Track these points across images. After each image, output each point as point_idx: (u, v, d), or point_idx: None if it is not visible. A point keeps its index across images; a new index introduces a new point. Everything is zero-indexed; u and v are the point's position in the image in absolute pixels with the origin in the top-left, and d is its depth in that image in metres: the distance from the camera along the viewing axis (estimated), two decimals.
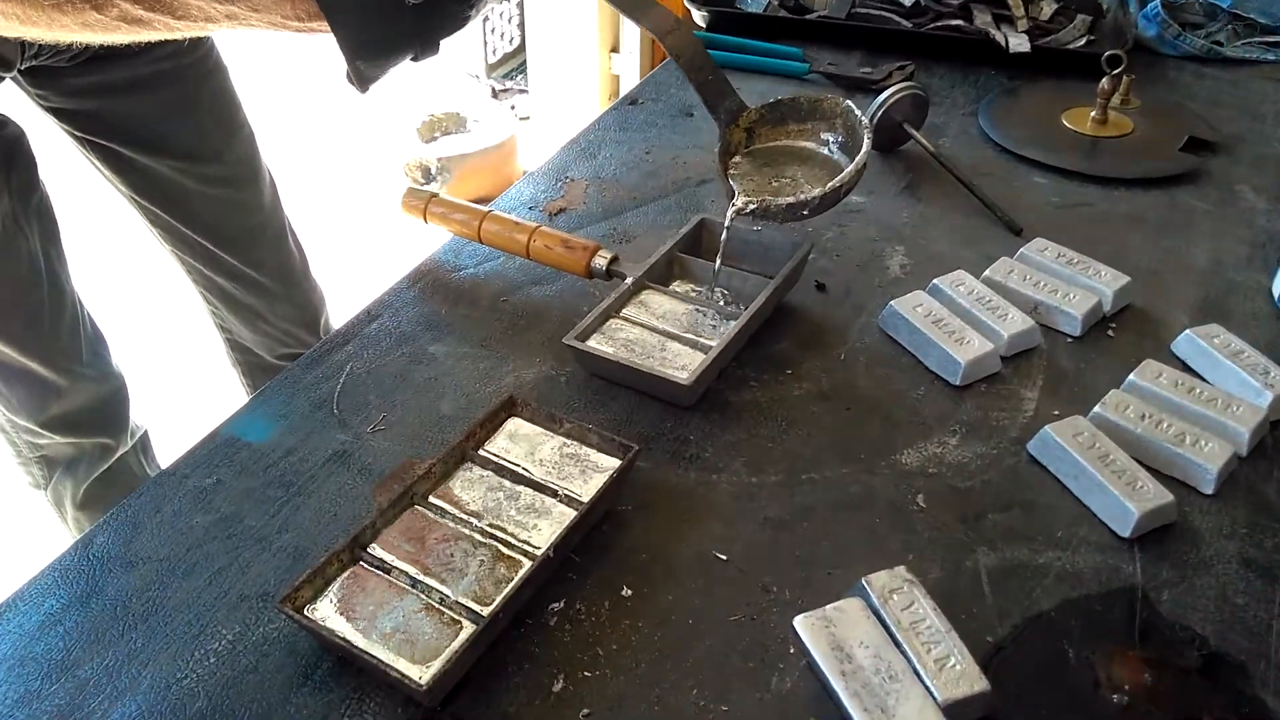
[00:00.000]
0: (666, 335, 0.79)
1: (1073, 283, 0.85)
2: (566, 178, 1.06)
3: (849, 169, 0.76)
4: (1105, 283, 0.85)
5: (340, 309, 1.67)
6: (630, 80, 2.97)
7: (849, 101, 0.82)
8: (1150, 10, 1.30)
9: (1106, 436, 0.70)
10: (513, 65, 3.79)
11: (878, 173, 1.06)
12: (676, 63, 0.81)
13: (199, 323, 1.59)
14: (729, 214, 0.80)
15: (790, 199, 0.77)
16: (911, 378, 0.79)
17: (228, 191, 1.41)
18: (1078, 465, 0.69)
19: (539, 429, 0.70)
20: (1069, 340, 0.82)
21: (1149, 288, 0.88)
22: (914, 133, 1.06)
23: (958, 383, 0.78)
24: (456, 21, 0.72)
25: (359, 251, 2.66)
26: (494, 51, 3.74)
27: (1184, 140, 1.09)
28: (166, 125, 1.32)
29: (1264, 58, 1.29)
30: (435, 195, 0.92)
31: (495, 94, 3.68)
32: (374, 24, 0.68)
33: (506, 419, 0.71)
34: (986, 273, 0.87)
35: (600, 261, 0.83)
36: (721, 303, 0.82)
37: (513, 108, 3.54)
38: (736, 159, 0.84)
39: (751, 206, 0.78)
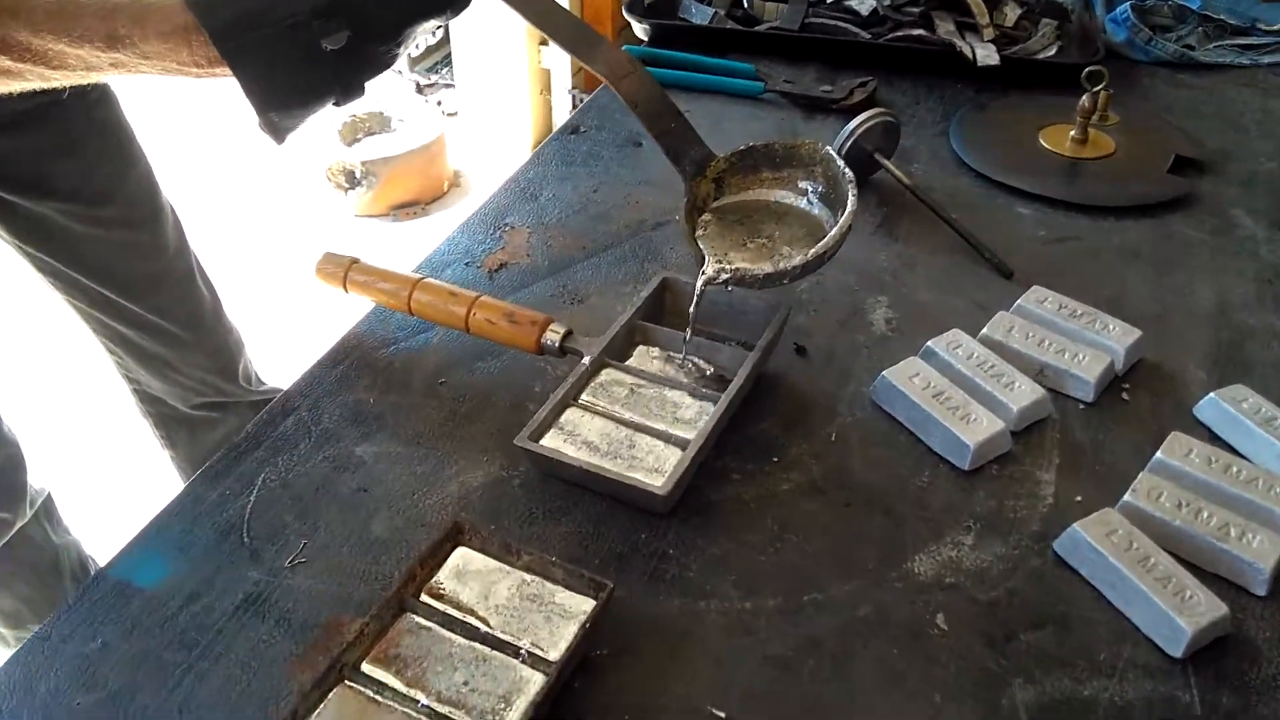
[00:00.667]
0: (634, 427, 0.68)
1: (1079, 339, 0.77)
2: (505, 225, 0.95)
3: (833, 232, 0.66)
4: (1115, 339, 0.76)
5: (262, 354, 1.54)
6: (561, 74, 2.84)
7: (829, 148, 0.72)
8: (1119, 14, 1.23)
9: (1142, 533, 0.62)
10: (437, 58, 3.62)
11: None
12: (632, 110, 0.70)
13: (102, 370, 1.44)
14: (699, 283, 0.70)
15: (768, 268, 0.67)
16: (913, 460, 0.70)
17: (123, 234, 1.27)
18: (1115, 571, 0.60)
19: (493, 563, 0.59)
20: (1082, 407, 0.74)
21: (1157, 337, 0.80)
22: (887, 164, 0.97)
23: (966, 468, 0.68)
24: (381, 63, 0.62)
25: (281, 285, 2.49)
26: (417, 45, 3.57)
27: (1170, 160, 1.01)
28: (47, 165, 1.17)
29: (1238, 61, 1.23)
30: (355, 261, 0.80)
31: (420, 89, 3.51)
32: (286, 71, 0.59)
33: (453, 549, 0.60)
34: (985, 330, 0.77)
35: (552, 337, 0.72)
36: (695, 378, 0.72)
37: (439, 104, 3.38)
38: (705, 216, 0.74)
39: (724, 276, 0.68)
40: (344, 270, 0.80)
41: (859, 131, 0.95)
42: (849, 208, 0.67)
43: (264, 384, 1.52)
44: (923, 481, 0.68)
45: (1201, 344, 0.80)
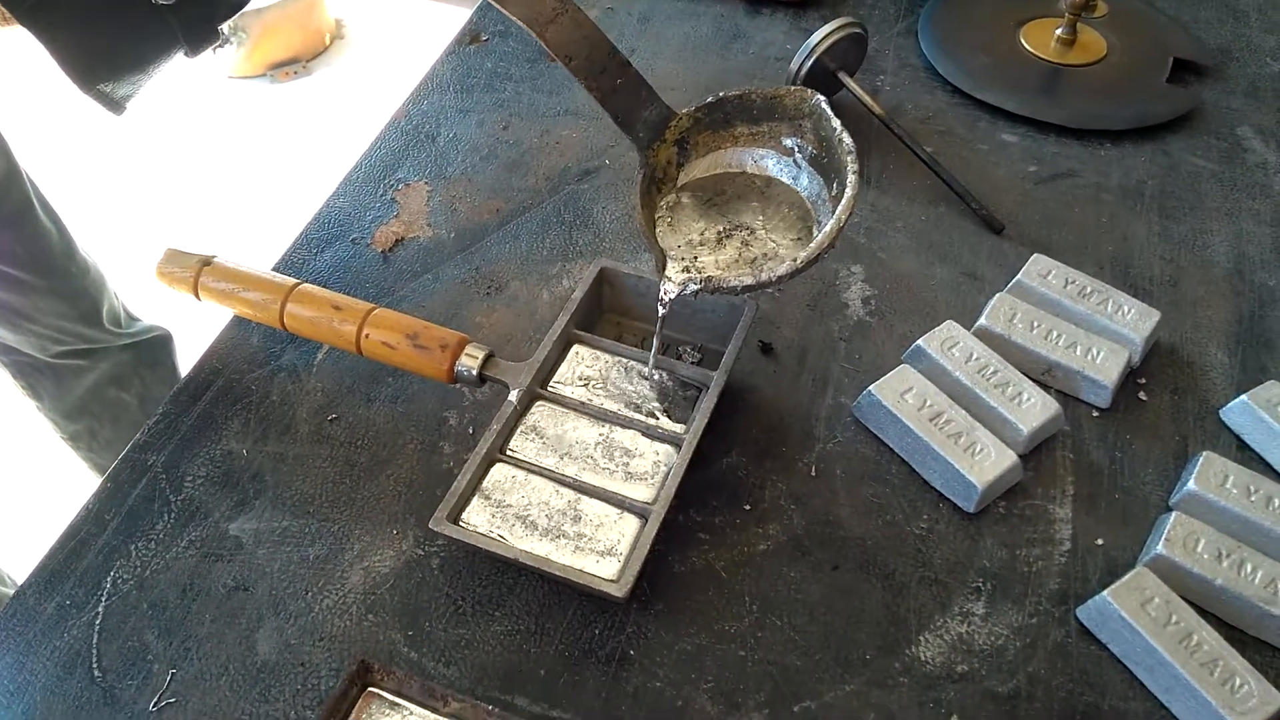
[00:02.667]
0: (578, 488, 0.55)
1: (1091, 327, 0.65)
2: (397, 181, 0.77)
3: (828, 226, 0.52)
4: (1131, 324, 0.65)
5: (133, 290, 1.33)
6: None
7: (821, 100, 0.57)
8: None
9: (1182, 601, 0.52)
10: None
11: None
12: (564, 66, 0.54)
13: None
14: (661, 292, 0.55)
15: (748, 279, 0.53)
16: (909, 500, 0.59)
17: None
18: (1153, 653, 0.51)
19: (415, 713, 0.47)
20: (1096, 414, 0.63)
21: (1172, 308, 0.69)
22: (854, 87, 0.81)
23: (972, 510, 0.58)
24: (230, 7, 0.51)
25: (151, 178, 2.22)
26: None
27: (1169, 66, 0.88)
28: None
29: None
30: (208, 262, 0.63)
31: None
32: (108, 29, 0.49)
33: (359, 695, 0.47)
34: (982, 320, 0.65)
35: (468, 364, 0.58)
36: (647, 407, 0.59)
37: None
38: (668, 198, 0.59)
39: (693, 288, 0.54)
40: (194, 274, 0.63)
41: (821, 49, 0.79)
42: (849, 191, 0.53)
43: (137, 320, 1.33)
44: (921, 528, 0.58)
45: (1220, 315, 0.69)
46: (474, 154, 0.79)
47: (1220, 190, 0.79)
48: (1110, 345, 0.64)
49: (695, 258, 0.57)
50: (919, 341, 0.64)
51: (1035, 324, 0.65)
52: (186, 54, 0.55)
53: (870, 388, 0.61)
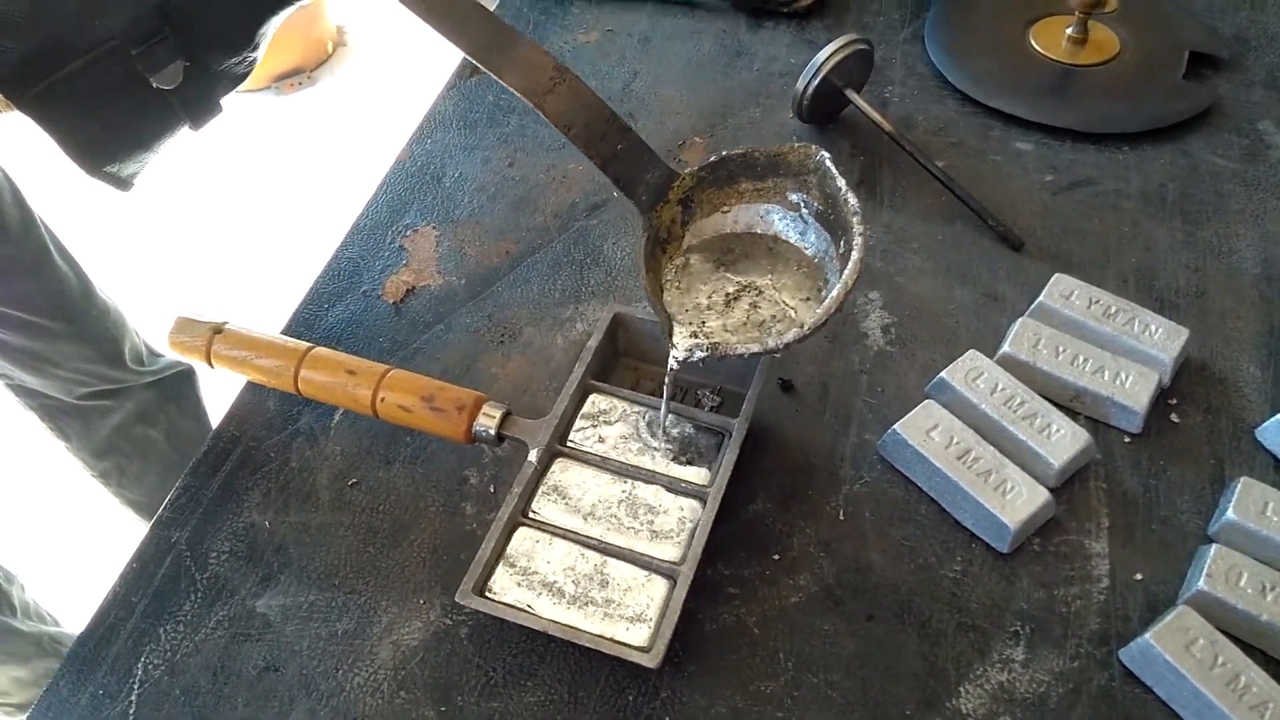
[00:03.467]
0: (603, 550, 0.55)
1: (1118, 349, 0.64)
2: (404, 227, 0.77)
3: (835, 290, 0.51)
4: (1160, 345, 0.63)
5: (153, 327, 1.33)
6: None
7: (825, 156, 0.55)
8: None
9: (1227, 640, 0.51)
10: None
11: None
12: (564, 135, 0.52)
13: None
14: (670, 359, 0.54)
15: (755, 345, 0.52)
16: (940, 542, 0.58)
17: None
18: (1201, 698, 0.50)
19: None
20: (1127, 440, 0.62)
21: (1201, 322, 0.67)
22: (861, 104, 0.79)
23: (1006, 550, 0.57)
24: (235, 77, 0.53)
25: (165, 206, 2.23)
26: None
27: (1184, 61, 0.86)
28: None
29: None
30: (220, 330, 0.62)
31: None
32: (109, 113, 0.49)
33: None
34: (1006, 348, 0.64)
35: (486, 424, 0.57)
36: (667, 459, 0.58)
37: None
38: (675, 260, 0.58)
39: (700, 355, 0.53)
40: (205, 342, 0.62)
41: (827, 68, 0.77)
42: (855, 254, 0.52)
43: (159, 357, 1.33)
44: (955, 571, 0.57)
45: (1250, 327, 0.68)
46: (481, 194, 0.78)
47: (1244, 191, 0.77)
48: (1139, 368, 0.62)
49: (703, 323, 0.56)
50: (942, 374, 0.62)
51: (1060, 349, 0.64)
52: (191, 128, 0.54)
53: (895, 426, 0.60)
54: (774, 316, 0.56)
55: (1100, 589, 0.56)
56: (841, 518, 0.59)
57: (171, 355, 1.35)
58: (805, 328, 0.51)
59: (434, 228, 0.76)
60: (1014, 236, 0.73)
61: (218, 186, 2.31)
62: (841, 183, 0.54)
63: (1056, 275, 0.68)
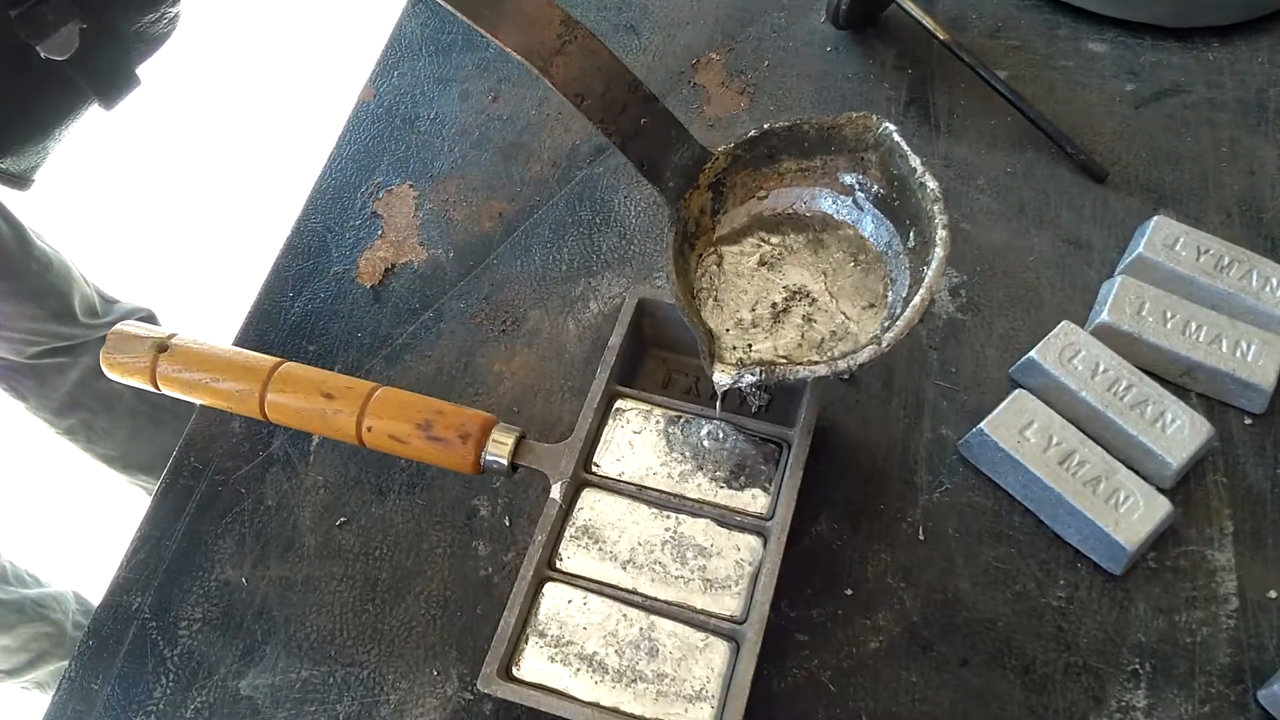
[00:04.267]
0: (649, 609, 0.46)
1: (1235, 309, 0.54)
2: (376, 186, 0.65)
3: (917, 298, 0.41)
4: None
5: (105, 270, 1.21)
6: None
7: (889, 127, 0.44)
8: None
9: None
10: None
11: (865, 83, 0.68)
12: (576, 107, 0.41)
13: None
14: (715, 385, 0.44)
15: (821, 367, 0.42)
16: (1039, 562, 0.49)
17: None
18: None
19: None
20: (1248, 422, 0.53)
21: None
22: (908, 5, 0.67)
23: (1119, 572, 0.48)
24: (153, 40, 0.48)
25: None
26: None
27: None
28: None
29: None
30: (166, 345, 0.51)
31: None
32: None
33: None
34: (1105, 316, 0.54)
35: (497, 454, 0.47)
36: (717, 484, 0.49)
37: None
38: (708, 259, 0.47)
39: (748, 379, 0.43)
40: (149, 362, 0.51)
41: None
42: (939, 251, 0.41)
43: (115, 304, 1.21)
44: (1059, 598, 0.48)
45: None
46: (463, 139, 0.66)
47: None
48: (1261, 335, 0.53)
49: (749, 345, 0.45)
50: (1032, 354, 0.53)
51: (1169, 314, 0.54)
52: (102, 106, 0.47)
53: (982, 425, 0.50)
54: (834, 333, 0.46)
55: (1228, 611, 0.48)
56: (921, 537, 0.50)
57: (129, 301, 1.23)
58: (883, 345, 0.41)
59: (411, 186, 0.64)
60: (1096, 166, 0.62)
61: (149, 140, 1.94)
62: (916, 161, 0.43)
63: (1156, 219, 0.57)
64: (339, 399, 0.49)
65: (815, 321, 0.45)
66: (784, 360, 0.44)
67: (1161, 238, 0.56)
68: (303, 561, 0.50)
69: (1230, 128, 0.64)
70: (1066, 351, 0.52)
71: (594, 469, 0.49)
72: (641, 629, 0.45)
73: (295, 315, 0.59)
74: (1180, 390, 0.53)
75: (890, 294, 0.45)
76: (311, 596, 0.49)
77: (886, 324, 0.44)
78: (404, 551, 0.50)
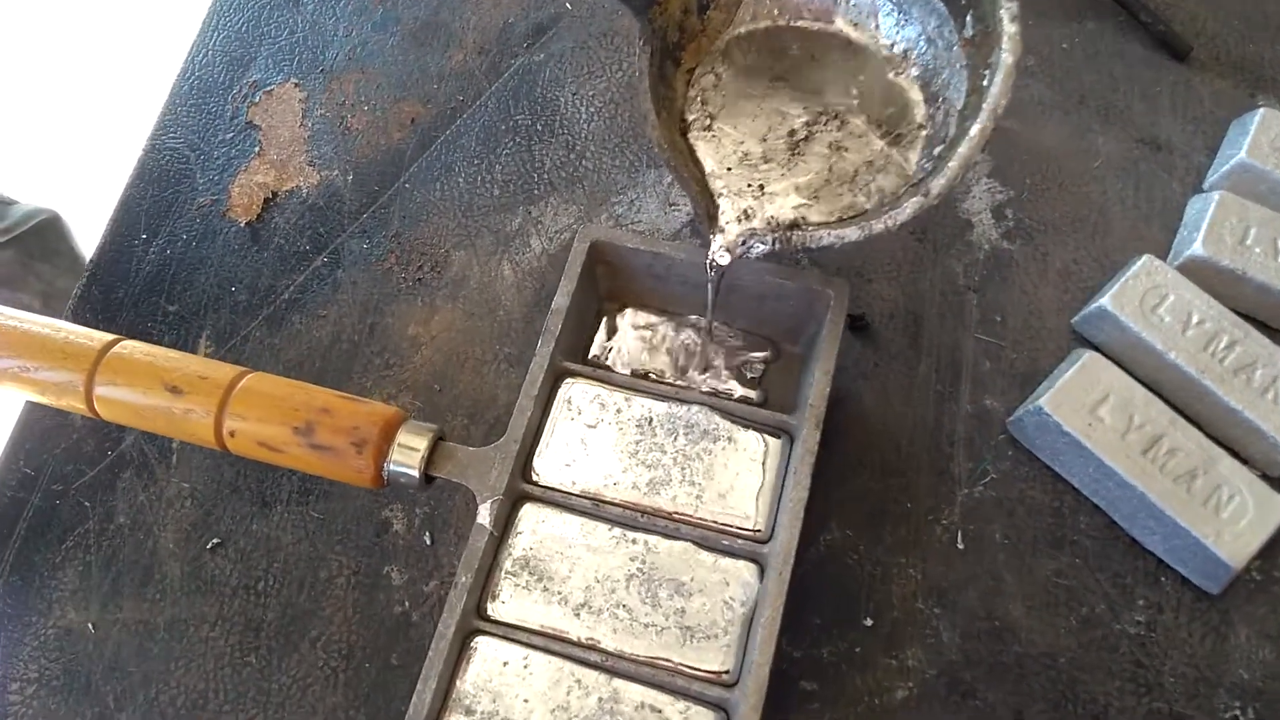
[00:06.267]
0: (612, 671, 0.35)
1: None
2: (249, 86, 0.50)
3: (979, 123, 0.30)
4: None
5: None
6: None
7: None
8: None
9: None
10: None
11: None
12: None
13: None
14: (710, 257, 0.33)
15: (851, 229, 0.31)
16: (1109, 576, 0.38)
17: None
18: None
19: None
20: None
21: None
22: None
23: (1217, 591, 0.38)
24: None
25: None
26: None
27: None
28: None
29: None
30: None
31: None
32: None
33: None
34: (1198, 247, 0.42)
35: (405, 464, 0.36)
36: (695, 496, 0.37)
37: None
38: (698, 84, 0.34)
39: (761, 248, 0.31)
40: None
41: None
42: (1006, 55, 0.30)
43: (12, 206, 1.05)
44: (1138, 625, 0.38)
45: None
46: (362, 20, 0.51)
47: None
48: None
49: (761, 186, 0.33)
50: (1103, 302, 0.40)
51: (1274, 239, 0.41)
52: None
53: (1041, 402, 0.38)
54: (869, 164, 0.34)
55: None
56: (960, 545, 0.39)
57: (29, 202, 1.08)
58: (932, 192, 0.29)
59: (296, 85, 0.50)
60: (1177, 39, 0.48)
61: None
62: None
63: (1263, 112, 0.44)
64: (190, 393, 0.37)
65: (846, 150, 0.33)
66: (804, 208, 0.32)
67: (1270, 138, 0.43)
68: (165, 599, 0.39)
69: None
70: (1149, 297, 0.40)
71: (535, 478, 0.37)
72: (601, 699, 0.34)
73: (150, 265, 0.46)
74: None
75: (936, 108, 0.33)
76: (177, 646, 0.38)
77: (931, 158, 0.32)
78: (295, 583, 0.39)
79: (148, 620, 0.39)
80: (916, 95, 0.36)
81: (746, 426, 0.38)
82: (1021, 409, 0.40)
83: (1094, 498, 0.39)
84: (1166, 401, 0.39)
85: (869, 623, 0.38)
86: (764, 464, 0.37)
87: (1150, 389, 0.39)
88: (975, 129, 0.31)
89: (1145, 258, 0.41)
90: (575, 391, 0.39)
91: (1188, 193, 0.45)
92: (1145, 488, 0.37)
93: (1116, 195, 0.45)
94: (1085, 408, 0.38)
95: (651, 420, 0.38)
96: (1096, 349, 0.41)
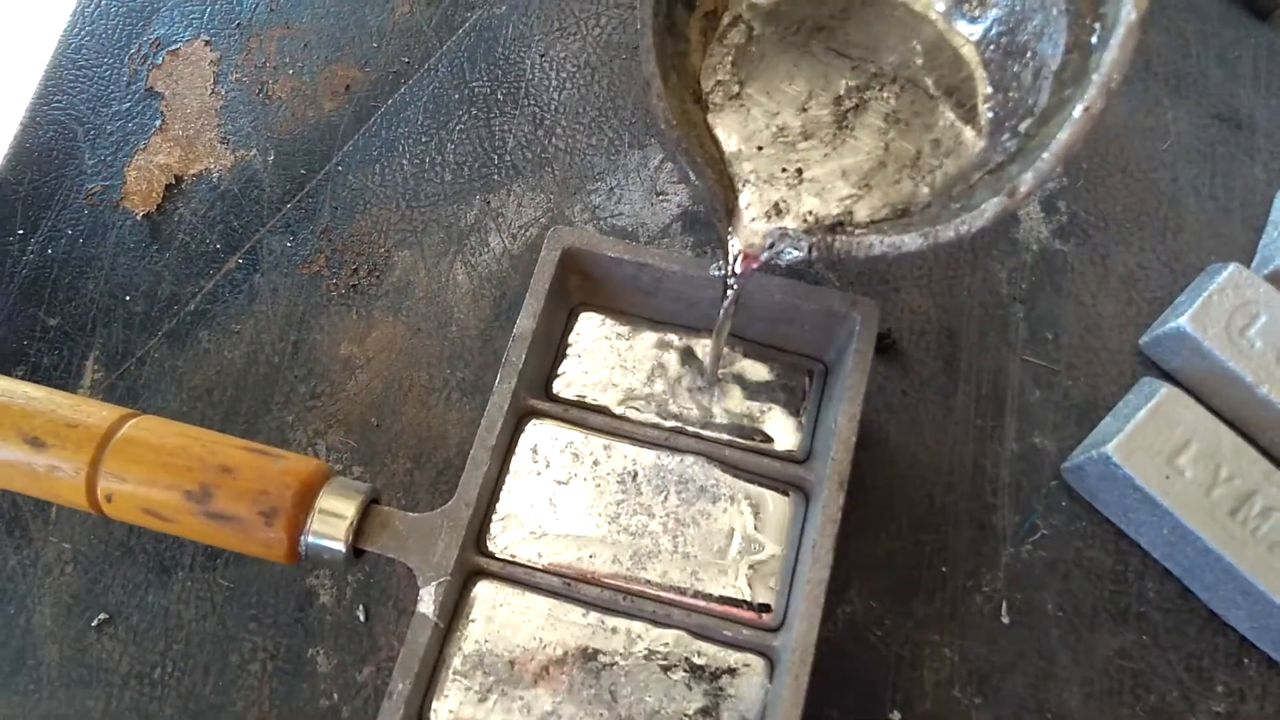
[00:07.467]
0: None
1: None
2: (150, 44, 0.42)
3: (1089, 94, 0.23)
4: None
5: None
6: None
7: None
8: None
9: None
10: None
11: None
12: None
13: None
14: (727, 265, 0.26)
15: (912, 235, 0.24)
16: (1183, 655, 0.32)
17: None
18: None
19: None
20: None
21: None
22: None
23: None
24: None
25: None
26: None
27: None
28: None
29: None
30: None
31: None
32: None
33: None
34: None
35: (328, 535, 0.28)
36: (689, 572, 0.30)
37: None
38: (722, 44, 0.27)
39: (794, 253, 0.24)
40: None
41: None
42: (1129, 11, 0.22)
43: None
44: (1216, 716, 0.31)
45: None
46: None
47: None
48: None
49: (799, 170, 0.26)
50: (1181, 322, 0.33)
51: None
52: None
53: (1109, 449, 0.32)
54: (935, 143, 0.27)
55: None
56: (1005, 619, 0.32)
57: None
58: (1018, 193, 0.23)
59: (207, 44, 0.41)
60: (1264, 1, 0.41)
61: None
62: None
63: None
64: (55, 446, 0.30)
65: (906, 123, 0.26)
66: (850, 200, 0.25)
67: None
68: (40, 691, 0.32)
69: None
70: (1237, 317, 0.33)
71: (491, 548, 0.30)
72: None
73: (28, 267, 0.38)
74: None
75: (1022, 65, 0.26)
76: None
77: (1015, 134, 0.25)
78: (200, 669, 0.32)
79: (16, 718, 0.32)
80: (994, 50, 0.28)
81: (752, 482, 0.31)
82: (1081, 454, 0.33)
83: (1165, 561, 0.33)
84: (1259, 449, 0.32)
85: (896, 716, 0.31)
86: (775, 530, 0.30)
87: (1239, 431, 0.32)
88: (1079, 110, 0.23)
89: (1233, 267, 0.34)
90: (542, 436, 0.31)
91: (1275, 182, 0.37)
92: (1232, 556, 0.30)
93: (1190, 184, 0.38)
94: (1162, 456, 0.31)
95: (636, 475, 0.31)
96: (1168, 376, 0.34)
